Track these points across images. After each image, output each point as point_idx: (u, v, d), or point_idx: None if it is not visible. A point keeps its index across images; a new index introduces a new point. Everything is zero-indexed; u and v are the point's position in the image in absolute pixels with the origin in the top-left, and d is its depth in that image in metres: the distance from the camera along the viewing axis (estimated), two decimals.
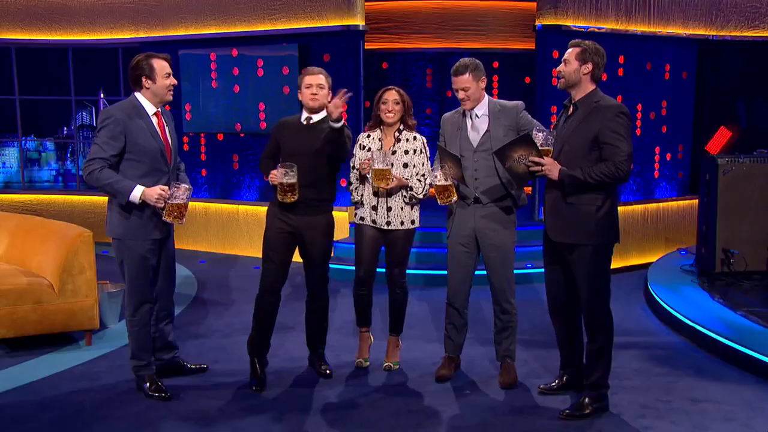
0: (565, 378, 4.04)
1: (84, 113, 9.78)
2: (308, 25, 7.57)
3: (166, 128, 3.93)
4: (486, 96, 4.11)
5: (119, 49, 8.72)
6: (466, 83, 3.98)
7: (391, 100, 4.21)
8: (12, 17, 8.81)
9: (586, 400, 3.71)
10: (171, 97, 3.93)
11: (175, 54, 8.22)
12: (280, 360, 4.62)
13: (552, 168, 3.56)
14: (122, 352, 4.77)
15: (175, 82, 3.95)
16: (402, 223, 4.26)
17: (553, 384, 4.06)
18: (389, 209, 4.24)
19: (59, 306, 4.71)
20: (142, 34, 8.45)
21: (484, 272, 4.21)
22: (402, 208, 4.25)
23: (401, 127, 4.29)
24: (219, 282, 6.88)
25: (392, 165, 4.14)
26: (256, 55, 7.82)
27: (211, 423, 3.69)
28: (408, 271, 6.52)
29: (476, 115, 4.08)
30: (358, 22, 7.37)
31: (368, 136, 4.35)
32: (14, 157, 9.41)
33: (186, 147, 8.49)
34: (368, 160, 4.11)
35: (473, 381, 4.27)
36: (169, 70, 3.89)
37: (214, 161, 8.40)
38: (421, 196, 4.25)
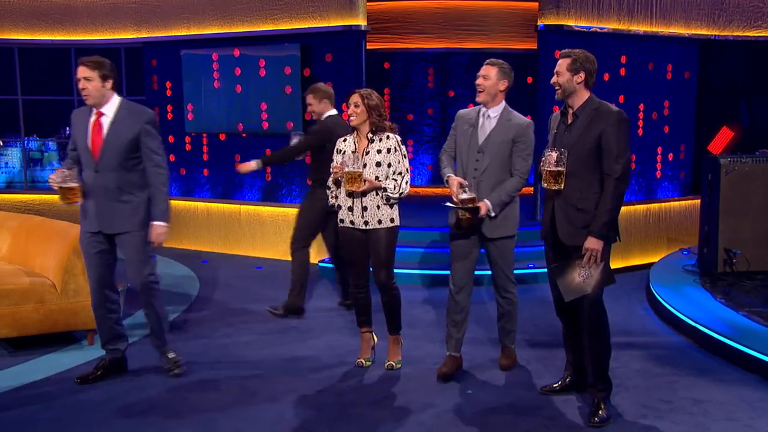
0: (568, 379, 4.04)
1: None
2: (310, 25, 7.57)
3: (105, 128, 4.04)
4: (504, 103, 4.20)
5: (122, 49, 8.73)
6: (488, 72, 4.12)
7: (352, 103, 4.24)
8: (15, 17, 8.83)
9: (602, 404, 3.70)
10: (87, 101, 4.03)
11: (177, 54, 8.23)
12: (281, 360, 4.63)
13: (592, 244, 3.58)
14: None
15: (81, 86, 3.99)
16: (380, 221, 4.26)
17: (556, 385, 4.06)
18: (365, 209, 4.25)
19: (61, 306, 4.72)
20: (144, 35, 8.46)
21: (485, 272, 4.23)
22: (378, 207, 4.25)
23: (374, 129, 4.29)
24: (221, 282, 6.88)
25: (364, 166, 4.18)
26: (258, 55, 7.82)
27: (212, 422, 3.69)
28: (412, 272, 6.62)
29: (489, 116, 4.18)
30: (360, 22, 7.37)
31: (344, 140, 4.38)
32: (17, 157, 9.42)
33: (188, 147, 8.51)
34: (341, 164, 4.16)
35: (475, 381, 4.27)
36: (77, 75, 4.01)
37: (216, 161, 8.41)
38: (396, 196, 4.23)
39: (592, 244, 3.58)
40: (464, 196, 4.00)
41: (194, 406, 3.89)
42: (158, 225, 4.09)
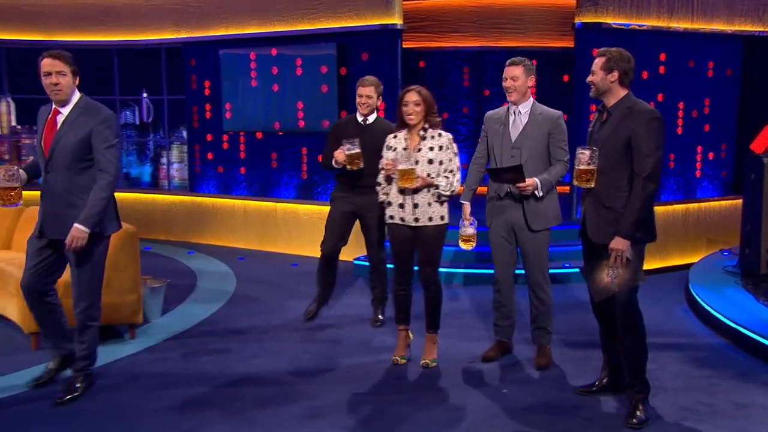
0: (605, 380, 4.00)
1: (128, 113, 9.98)
2: (346, 25, 7.62)
3: (59, 126, 3.84)
4: (532, 99, 4.33)
5: (162, 49, 8.90)
6: (516, 73, 4.24)
7: (412, 101, 4.22)
8: (60, 19, 9.05)
9: (640, 405, 3.66)
10: (56, 96, 3.80)
11: (215, 54, 8.35)
12: (317, 356, 4.68)
13: (617, 244, 3.55)
14: (164, 345, 4.88)
15: (53, 80, 3.77)
16: (430, 219, 4.27)
17: (594, 387, 4.02)
18: (416, 206, 4.26)
19: (105, 301, 4.74)
20: (184, 35, 8.61)
21: (521, 271, 4.25)
22: (429, 204, 4.26)
23: (426, 126, 4.29)
24: (257, 279, 6.97)
25: (417, 163, 4.19)
26: (295, 54, 7.89)
27: (250, 417, 3.75)
28: (450, 270, 6.61)
29: (519, 112, 4.30)
30: (396, 21, 7.39)
31: (395, 137, 4.38)
32: None
33: (226, 145, 8.64)
34: (393, 161, 4.18)
35: (511, 380, 4.26)
36: (46, 69, 3.78)
37: (253, 159, 8.52)
38: (447, 193, 4.24)
39: (618, 244, 3.54)
40: (463, 228, 4.27)
41: (232, 402, 3.95)
42: (75, 227, 3.73)
